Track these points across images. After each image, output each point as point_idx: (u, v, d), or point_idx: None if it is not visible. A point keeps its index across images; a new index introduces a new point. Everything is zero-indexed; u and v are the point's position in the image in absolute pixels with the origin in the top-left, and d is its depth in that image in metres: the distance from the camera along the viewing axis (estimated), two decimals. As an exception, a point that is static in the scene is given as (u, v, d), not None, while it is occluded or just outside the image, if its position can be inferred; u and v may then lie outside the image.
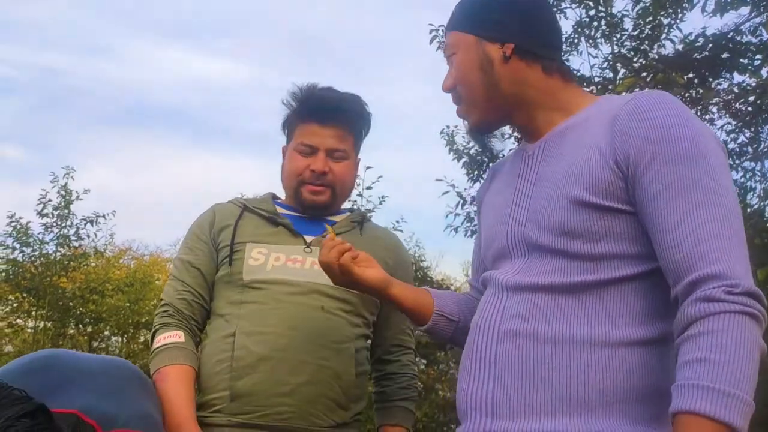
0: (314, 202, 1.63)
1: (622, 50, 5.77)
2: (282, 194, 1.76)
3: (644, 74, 4.90)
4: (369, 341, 1.68)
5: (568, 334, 1.04)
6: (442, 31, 6.29)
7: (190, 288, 1.60)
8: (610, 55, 5.84)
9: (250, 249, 1.58)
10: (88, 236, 9.88)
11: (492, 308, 1.12)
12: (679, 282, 0.98)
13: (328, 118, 1.64)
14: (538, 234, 1.10)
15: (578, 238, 1.06)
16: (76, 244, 9.78)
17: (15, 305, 10.77)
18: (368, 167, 6.54)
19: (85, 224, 9.72)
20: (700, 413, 0.88)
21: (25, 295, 9.92)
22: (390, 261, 1.65)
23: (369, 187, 6.81)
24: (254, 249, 1.58)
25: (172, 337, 1.54)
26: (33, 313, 10.25)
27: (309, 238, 1.62)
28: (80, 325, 10.79)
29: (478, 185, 6.70)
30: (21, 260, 9.53)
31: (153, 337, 1.57)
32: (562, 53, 1.28)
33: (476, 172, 6.60)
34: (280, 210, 1.68)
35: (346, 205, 1.90)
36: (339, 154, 1.64)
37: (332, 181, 1.63)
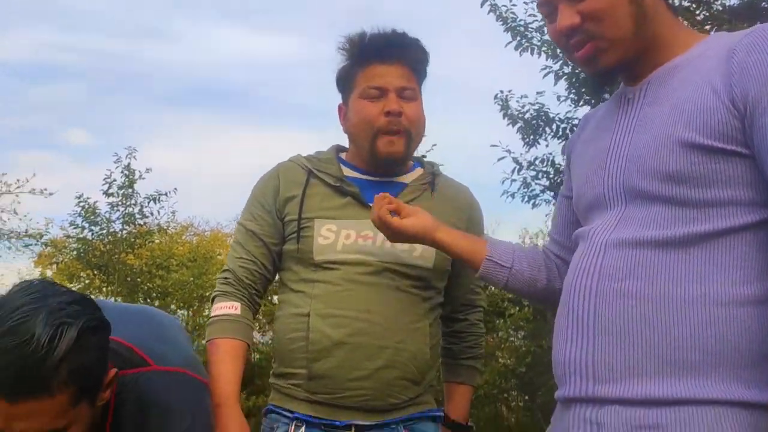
0: (390, 155, 1.53)
1: (683, 2, 5.53)
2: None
3: (708, 27, 4.69)
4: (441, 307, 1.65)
5: (676, 293, 0.96)
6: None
7: (253, 257, 1.58)
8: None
9: (319, 226, 1.53)
10: (152, 214, 10.17)
11: (588, 267, 1.04)
12: None
13: (392, 56, 1.54)
14: (640, 179, 1.01)
15: (686, 184, 0.97)
16: (140, 221, 10.08)
17: (87, 282, 11.22)
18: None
19: (149, 202, 10.00)
20: None
21: (95, 272, 10.31)
22: (461, 224, 1.61)
23: (423, 156, 6.75)
24: (323, 226, 1.53)
25: (228, 308, 1.53)
26: (104, 289, 10.65)
27: None
28: (148, 300, 11.15)
29: (534, 150, 6.58)
30: (90, 239, 9.90)
31: (212, 303, 1.58)
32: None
33: (532, 137, 6.47)
34: (346, 172, 1.60)
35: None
36: (409, 92, 1.54)
37: (407, 124, 1.53)
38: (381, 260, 1.52)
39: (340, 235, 1.52)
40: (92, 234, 9.91)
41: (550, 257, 1.34)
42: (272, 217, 1.58)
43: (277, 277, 1.66)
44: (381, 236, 1.52)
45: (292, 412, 1.51)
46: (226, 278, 1.58)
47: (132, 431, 1.23)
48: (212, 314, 1.56)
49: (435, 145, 6.11)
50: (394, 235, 1.40)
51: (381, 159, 1.56)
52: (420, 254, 1.55)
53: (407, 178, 1.63)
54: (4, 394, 0.97)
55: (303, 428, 1.48)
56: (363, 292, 1.49)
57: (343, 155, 1.66)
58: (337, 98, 1.66)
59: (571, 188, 1.24)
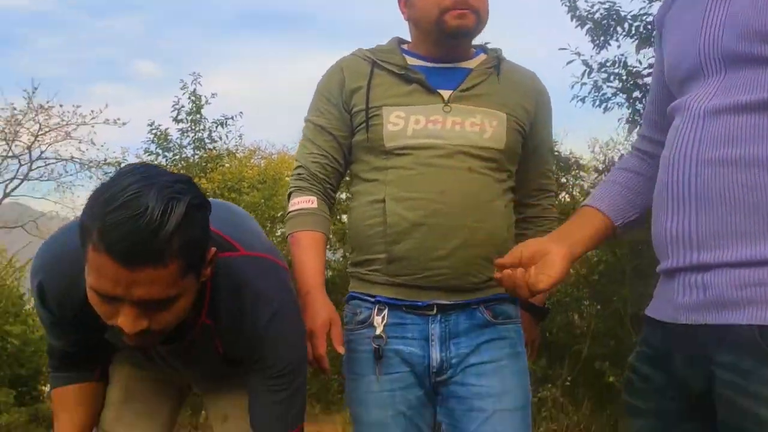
0: (460, 28, 1.52)
1: None
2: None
3: None
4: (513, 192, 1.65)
5: None
6: None
7: (324, 151, 1.60)
8: None
9: (388, 113, 1.54)
10: (220, 138, 10.39)
11: (687, 137, 1.02)
12: None
13: None
14: (739, 42, 0.98)
15: None
16: (210, 146, 10.31)
17: (164, 207, 11.65)
18: (486, 43, 6.27)
19: (216, 127, 10.20)
20: None
21: (172, 196, 10.68)
22: (530, 107, 1.60)
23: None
24: (392, 113, 1.54)
25: (305, 202, 1.58)
26: (180, 213, 11.05)
27: (445, 93, 1.55)
28: (223, 222, 11.50)
29: (604, 52, 6.29)
30: (165, 164, 10.22)
31: (288, 199, 1.61)
32: None
33: (602, 38, 6.17)
34: (410, 61, 1.60)
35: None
36: None
37: (475, 4, 1.52)
38: (452, 143, 1.52)
39: (410, 121, 1.53)
40: (166, 160, 10.20)
41: (646, 158, 1.29)
42: (339, 110, 1.60)
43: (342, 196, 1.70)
44: (450, 120, 1.53)
45: (373, 296, 1.56)
46: (299, 174, 1.62)
47: (226, 313, 1.30)
48: (289, 209, 1.59)
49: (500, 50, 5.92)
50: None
51: (450, 32, 1.54)
52: (491, 136, 1.54)
53: (471, 64, 1.62)
54: (123, 262, 1.04)
55: (386, 311, 1.53)
56: (436, 175, 1.50)
57: (404, 46, 1.66)
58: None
59: (664, 62, 1.19)
